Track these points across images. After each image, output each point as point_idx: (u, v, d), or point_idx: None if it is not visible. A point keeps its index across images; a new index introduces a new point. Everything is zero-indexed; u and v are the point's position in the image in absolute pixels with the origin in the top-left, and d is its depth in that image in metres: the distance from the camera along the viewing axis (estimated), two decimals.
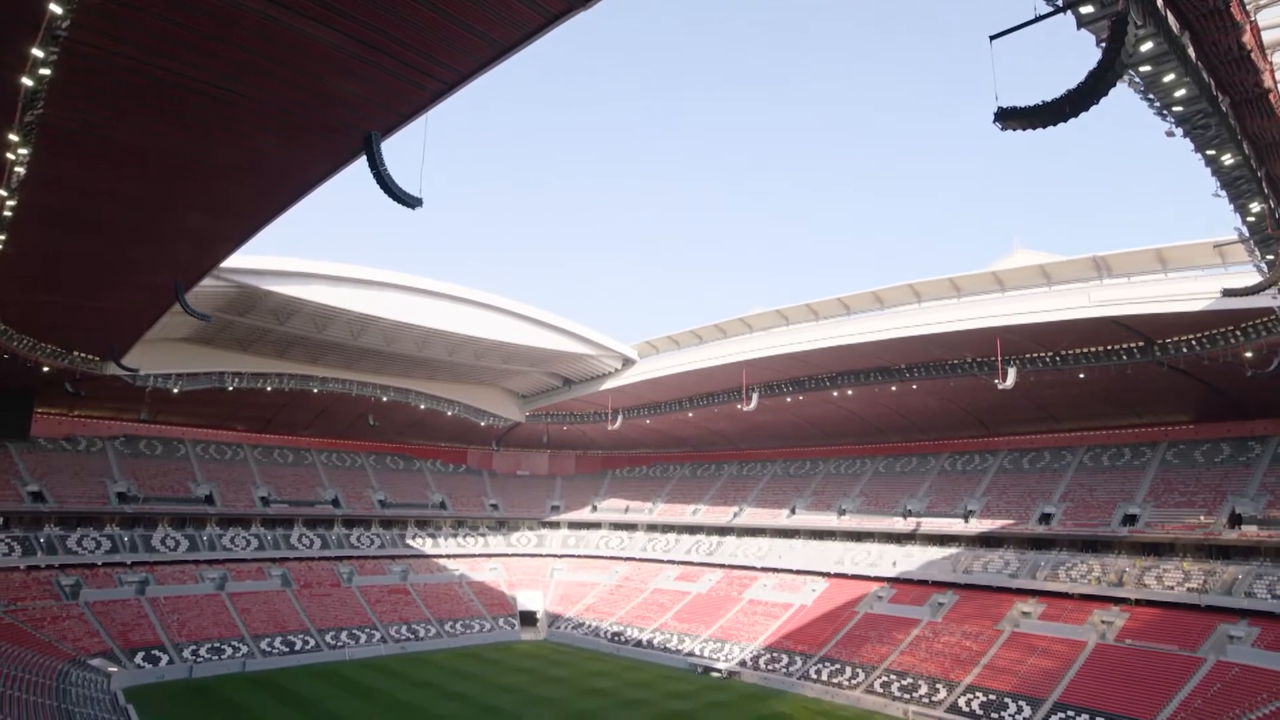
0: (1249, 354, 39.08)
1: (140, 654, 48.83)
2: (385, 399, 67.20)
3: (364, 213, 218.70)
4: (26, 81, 17.06)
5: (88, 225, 27.31)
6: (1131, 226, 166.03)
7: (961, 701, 42.43)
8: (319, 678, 49.10)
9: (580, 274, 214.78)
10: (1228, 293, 32.43)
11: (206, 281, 38.64)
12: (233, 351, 58.87)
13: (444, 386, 71.86)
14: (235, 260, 38.99)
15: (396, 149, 22.76)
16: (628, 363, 66.33)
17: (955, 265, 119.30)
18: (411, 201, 21.43)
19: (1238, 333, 38.66)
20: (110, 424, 67.05)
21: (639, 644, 60.08)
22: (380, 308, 53.20)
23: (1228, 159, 21.06)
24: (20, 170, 20.66)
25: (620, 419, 72.27)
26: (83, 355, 46.68)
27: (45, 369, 45.91)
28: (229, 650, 52.12)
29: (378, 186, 20.64)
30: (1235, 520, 46.20)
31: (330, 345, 59.36)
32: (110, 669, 44.48)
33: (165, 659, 49.31)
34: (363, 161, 20.62)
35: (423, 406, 69.68)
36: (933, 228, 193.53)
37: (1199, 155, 21.05)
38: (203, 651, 51.13)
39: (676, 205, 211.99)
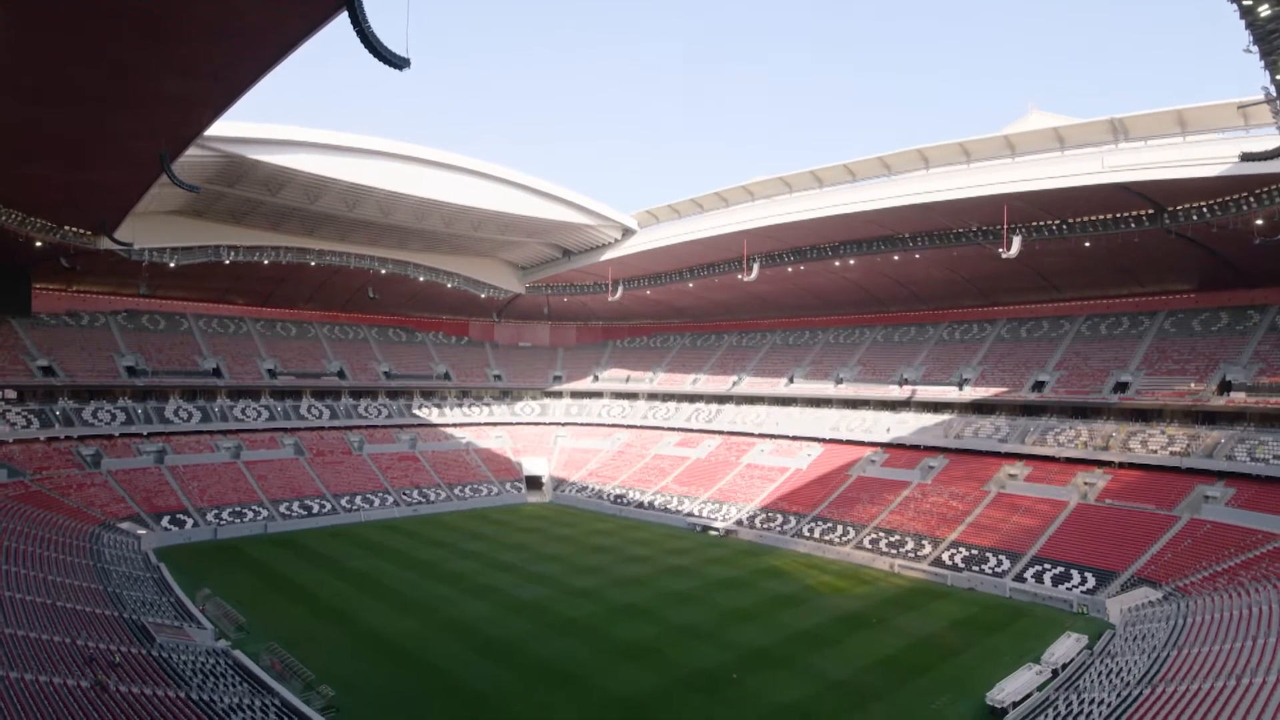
0: (1259, 221, 38.42)
1: (166, 518, 51.30)
2: (384, 271, 66.83)
3: (353, 80, 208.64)
4: None
5: (64, 93, 26.05)
6: (1156, 89, 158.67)
7: (945, 556, 44.97)
8: (338, 538, 51.87)
9: (580, 146, 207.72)
10: (1246, 156, 31.51)
11: (193, 151, 37.41)
12: (226, 224, 57.99)
13: (443, 258, 71.27)
14: (220, 128, 37.66)
15: (381, 7, 21.34)
16: (627, 233, 65.37)
17: (970, 130, 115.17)
18: (398, 62, 20.38)
19: (1251, 199, 37.80)
20: (111, 299, 67.06)
21: (640, 505, 62.94)
22: (374, 177, 51.83)
23: (1264, 10, 19.84)
24: None
25: (620, 290, 72.15)
26: (74, 230, 45.91)
27: (38, 244, 45.33)
28: (250, 514, 54.71)
29: (362, 47, 19.58)
30: (1225, 387, 47.10)
31: (325, 217, 58.32)
32: (139, 531, 46.91)
33: (190, 522, 51.85)
34: (346, 22, 19.43)
35: (422, 279, 69.39)
36: (948, 92, 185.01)
37: (1234, 6, 19.80)
38: (225, 515, 53.69)
39: (680, 76, 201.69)
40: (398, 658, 29.84)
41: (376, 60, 20.02)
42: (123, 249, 49.66)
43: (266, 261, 59.98)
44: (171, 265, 55.69)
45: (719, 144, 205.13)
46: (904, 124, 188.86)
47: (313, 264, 62.81)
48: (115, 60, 23.99)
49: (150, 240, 52.90)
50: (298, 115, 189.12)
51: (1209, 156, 36.24)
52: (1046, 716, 23.08)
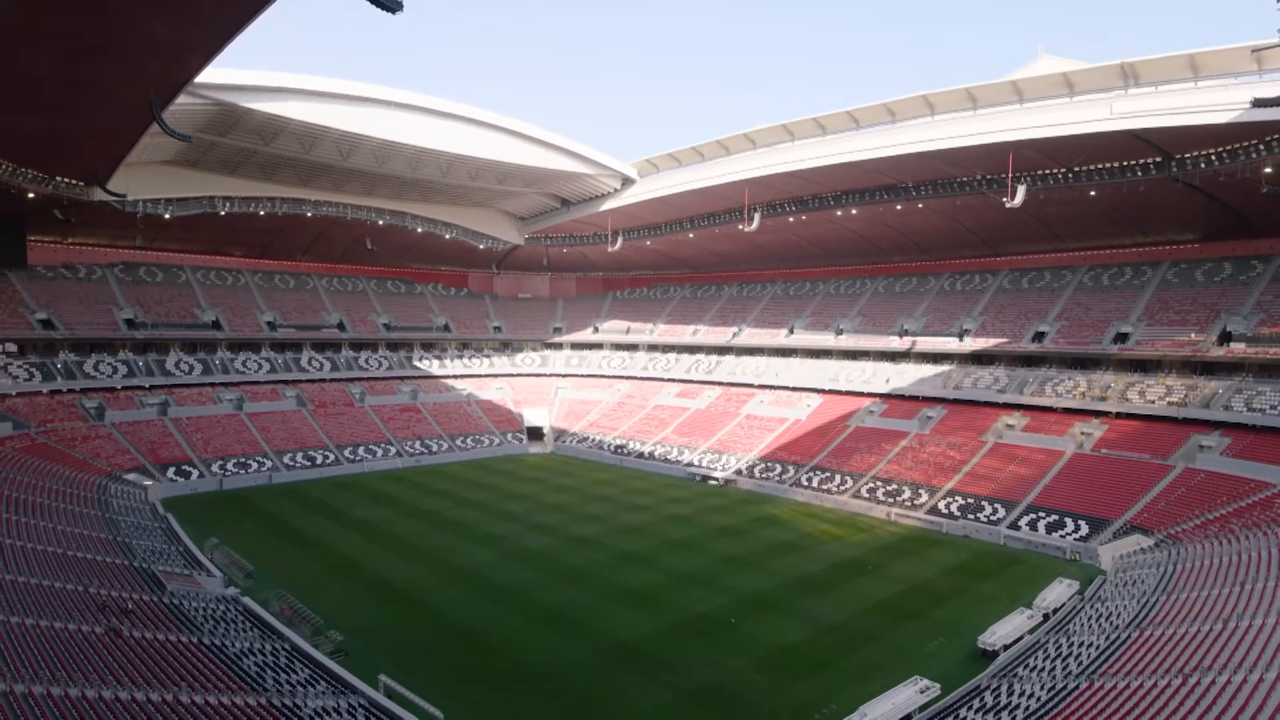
0: (1268, 169, 37.87)
1: (171, 469, 51.85)
2: (381, 222, 66.17)
3: (345, 26, 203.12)
4: None
5: (49, 39, 25.39)
6: (1168, 33, 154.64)
7: (941, 504, 45.61)
8: (342, 488, 52.52)
9: (579, 94, 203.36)
10: (1258, 102, 30.96)
11: (183, 99, 36.68)
12: (220, 175, 57.19)
13: (440, 209, 70.50)
14: (211, 75, 36.85)
15: None
16: (627, 182, 64.53)
17: (977, 76, 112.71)
18: (392, 5, 19.81)
19: (1260, 147, 37.17)
20: (107, 251, 66.59)
21: (640, 456, 63.57)
22: (368, 125, 50.89)
23: None
24: None
25: (620, 240, 71.59)
26: (67, 180, 45.29)
27: (31, 195, 44.76)
28: (254, 465, 55.28)
29: None
30: (1225, 338, 47.09)
31: (320, 166, 57.49)
32: (146, 482, 47.45)
33: (196, 473, 52.43)
34: None
35: (420, 230, 68.74)
36: (955, 37, 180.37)
37: None
38: (230, 466, 54.27)
39: (681, 22, 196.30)
40: (404, 603, 30.52)
41: (369, 3, 19.44)
42: (116, 200, 49.03)
43: (262, 212, 59.32)
44: (166, 216, 55.08)
45: (721, 92, 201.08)
46: (910, 70, 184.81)
47: (309, 215, 62.15)
48: (99, 4, 23.31)
49: (144, 191, 52.24)
50: (290, 64, 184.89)
51: (1220, 103, 35.48)
52: (1036, 658, 23.70)
